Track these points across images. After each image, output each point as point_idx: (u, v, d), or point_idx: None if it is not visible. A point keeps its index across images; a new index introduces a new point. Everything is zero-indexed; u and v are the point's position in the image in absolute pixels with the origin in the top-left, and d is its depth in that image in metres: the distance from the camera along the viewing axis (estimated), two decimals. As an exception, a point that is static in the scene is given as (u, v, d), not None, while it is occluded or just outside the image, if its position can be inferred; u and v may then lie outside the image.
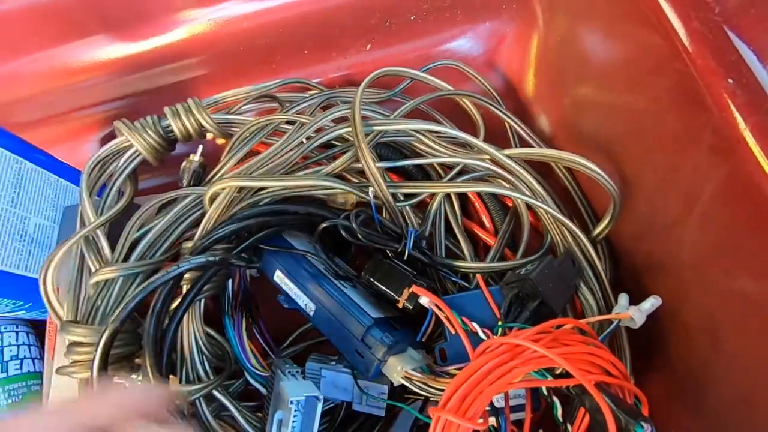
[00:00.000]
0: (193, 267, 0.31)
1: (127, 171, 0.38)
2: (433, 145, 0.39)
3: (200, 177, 0.39)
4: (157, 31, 0.43)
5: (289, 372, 0.32)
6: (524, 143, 0.43)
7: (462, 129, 0.40)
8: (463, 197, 0.42)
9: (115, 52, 0.44)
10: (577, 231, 0.37)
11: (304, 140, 0.37)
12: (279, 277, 0.34)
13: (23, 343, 0.39)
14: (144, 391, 0.22)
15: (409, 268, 0.34)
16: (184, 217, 0.36)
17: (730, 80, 0.26)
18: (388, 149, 0.41)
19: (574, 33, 0.41)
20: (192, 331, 0.33)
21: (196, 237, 0.34)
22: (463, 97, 0.44)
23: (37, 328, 0.40)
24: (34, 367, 0.38)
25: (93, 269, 0.34)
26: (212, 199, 0.35)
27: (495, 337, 0.30)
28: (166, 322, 0.31)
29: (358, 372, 0.33)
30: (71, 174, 0.41)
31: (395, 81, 0.44)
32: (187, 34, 0.44)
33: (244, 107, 0.42)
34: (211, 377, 0.33)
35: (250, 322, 0.37)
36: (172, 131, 0.38)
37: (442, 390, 0.29)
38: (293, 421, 0.29)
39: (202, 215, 0.35)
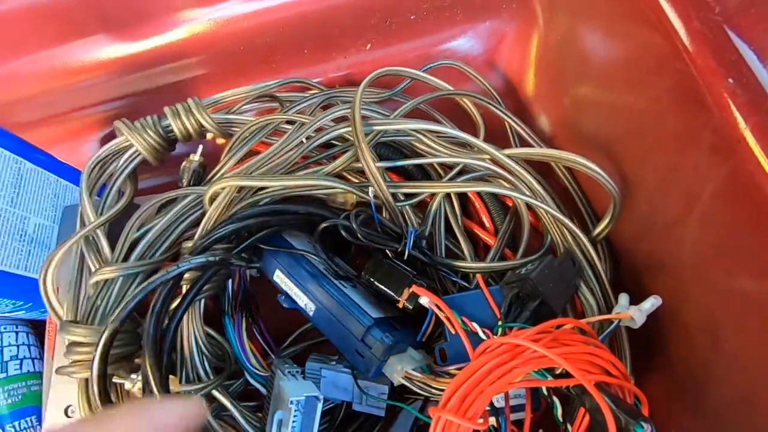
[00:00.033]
0: (192, 267, 0.31)
1: (127, 171, 0.38)
2: (433, 144, 0.39)
3: (200, 177, 0.39)
4: (157, 30, 0.43)
5: (289, 372, 0.32)
6: (524, 143, 0.43)
7: (462, 129, 0.40)
8: (463, 197, 0.42)
9: (115, 52, 0.44)
10: (577, 231, 0.37)
11: (304, 140, 0.37)
12: (279, 276, 0.34)
13: (23, 343, 0.39)
14: (177, 409, 0.22)
15: (409, 268, 0.34)
16: (184, 216, 0.36)
17: (730, 80, 0.26)
18: (388, 149, 0.41)
19: (574, 32, 0.41)
20: (192, 331, 0.33)
21: (196, 237, 0.34)
22: (463, 97, 0.44)
23: (37, 328, 0.40)
24: (34, 367, 0.38)
25: (93, 269, 0.34)
26: (212, 199, 0.35)
27: (495, 337, 0.30)
28: (166, 322, 0.31)
29: (358, 372, 0.33)
30: (71, 174, 0.41)
31: (395, 81, 0.44)
32: (187, 33, 0.44)
33: (244, 107, 0.42)
34: (211, 377, 0.33)
35: (250, 322, 0.37)
36: (172, 131, 0.38)
37: (442, 390, 0.29)
38: (293, 421, 0.29)
39: (202, 215, 0.35)
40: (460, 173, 0.40)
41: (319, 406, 0.30)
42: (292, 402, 0.29)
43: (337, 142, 0.40)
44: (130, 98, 0.46)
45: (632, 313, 0.30)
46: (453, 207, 0.40)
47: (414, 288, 0.32)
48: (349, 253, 0.39)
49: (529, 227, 0.40)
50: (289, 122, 0.40)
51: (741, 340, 0.28)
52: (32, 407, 0.37)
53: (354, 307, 0.32)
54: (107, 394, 0.30)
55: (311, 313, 0.33)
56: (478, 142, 0.39)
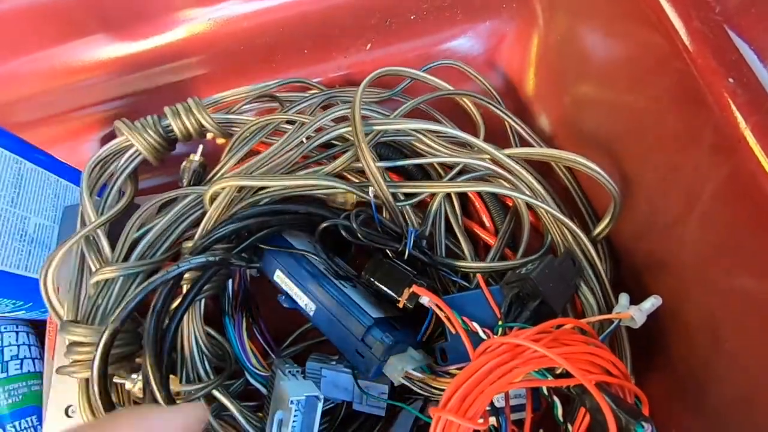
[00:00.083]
0: (193, 267, 0.31)
1: (127, 171, 0.38)
2: (434, 144, 0.39)
3: (200, 176, 0.39)
4: (157, 30, 0.43)
5: (290, 372, 0.32)
6: (524, 143, 0.43)
7: (462, 128, 0.40)
8: (463, 197, 0.42)
9: (115, 52, 0.44)
10: (578, 230, 0.37)
11: (304, 140, 0.37)
12: (279, 276, 0.34)
13: (23, 343, 0.39)
14: (177, 419, 0.22)
15: (409, 268, 0.34)
16: (184, 216, 0.36)
17: (730, 79, 0.26)
18: (388, 149, 0.41)
19: (574, 32, 0.41)
20: (192, 330, 0.33)
21: (197, 236, 0.34)
22: (463, 97, 0.44)
23: (37, 328, 0.40)
24: (34, 366, 0.38)
25: (93, 269, 0.34)
26: (212, 199, 0.35)
27: (495, 336, 0.30)
28: (167, 321, 0.31)
29: (358, 372, 0.33)
30: (71, 174, 0.41)
31: (395, 80, 0.44)
32: (187, 33, 0.44)
33: (244, 107, 0.42)
34: (212, 377, 0.33)
35: (251, 322, 0.37)
36: (172, 131, 0.38)
37: (443, 390, 0.29)
38: (293, 421, 0.29)
39: (203, 215, 0.35)
40: (460, 173, 0.40)
41: (320, 405, 0.30)
42: (292, 402, 0.29)
43: (337, 142, 0.40)
44: (130, 98, 0.46)
45: (632, 313, 0.30)
46: (453, 207, 0.40)
47: (414, 288, 0.32)
48: (350, 253, 0.39)
49: (529, 227, 0.40)
50: (289, 122, 0.40)
51: (741, 340, 0.28)
52: (33, 407, 0.37)
53: (354, 307, 0.32)
54: (108, 393, 0.30)
55: (311, 313, 0.33)
56: (478, 142, 0.39)
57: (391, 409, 0.34)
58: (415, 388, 0.31)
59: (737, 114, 0.26)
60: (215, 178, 0.38)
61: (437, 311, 0.31)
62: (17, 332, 0.39)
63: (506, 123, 0.43)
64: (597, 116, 0.39)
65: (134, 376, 0.31)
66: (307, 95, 0.43)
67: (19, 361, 0.38)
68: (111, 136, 0.40)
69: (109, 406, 0.30)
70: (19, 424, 0.36)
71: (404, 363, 0.30)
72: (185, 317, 0.33)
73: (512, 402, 0.31)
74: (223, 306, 0.35)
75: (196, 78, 0.46)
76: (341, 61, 0.48)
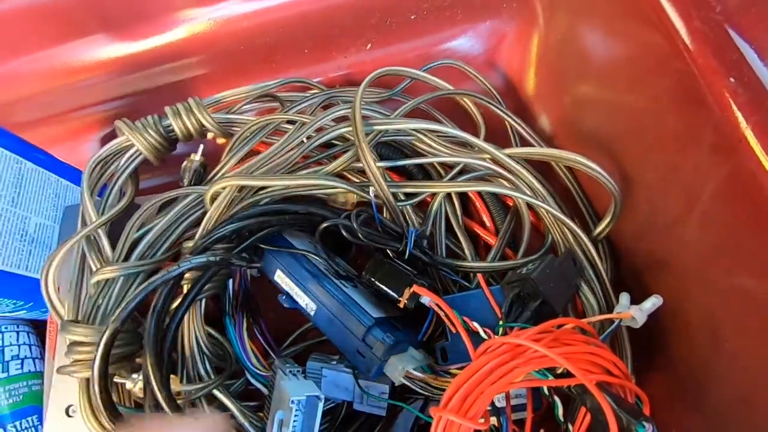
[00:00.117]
0: (193, 266, 0.31)
1: (128, 170, 0.38)
2: (434, 144, 0.39)
3: (201, 176, 0.39)
4: (157, 30, 0.43)
5: (290, 371, 0.32)
6: (525, 142, 0.43)
7: (462, 128, 0.40)
8: (463, 196, 0.42)
9: (115, 52, 0.44)
10: (578, 230, 0.37)
11: (305, 140, 0.37)
12: (279, 276, 0.34)
13: (24, 343, 0.39)
14: (207, 427, 0.22)
15: (410, 268, 0.34)
16: (184, 216, 0.36)
17: (731, 79, 0.26)
18: (388, 148, 0.41)
19: (574, 31, 0.41)
20: (193, 330, 0.33)
21: (197, 236, 0.34)
22: (464, 97, 0.44)
23: (38, 328, 0.40)
24: (35, 366, 0.38)
25: (94, 269, 0.34)
26: (213, 199, 0.35)
27: (496, 336, 0.30)
28: (167, 321, 0.31)
29: (359, 372, 0.33)
30: (71, 174, 0.41)
31: (395, 80, 0.44)
32: (187, 33, 0.44)
33: (244, 107, 0.42)
34: (212, 377, 0.33)
35: (251, 322, 0.36)
36: (173, 131, 0.38)
37: (443, 389, 0.29)
38: (294, 421, 0.29)
39: (203, 215, 0.35)
40: (460, 173, 0.40)
41: (320, 405, 0.30)
42: (293, 401, 0.29)
43: (337, 142, 0.40)
44: (130, 98, 0.46)
45: (633, 313, 0.30)
46: (454, 206, 0.40)
47: (415, 288, 0.32)
48: (350, 253, 0.39)
49: (529, 227, 0.40)
50: (289, 122, 0.40)
51: (741, 340, 0.28)
52: (33, 407, 0.37)
53: (355, 307, 0.32)
54: (108, 393, 0.30)
55: (312, 313, 0.33)
56: (479, 142, 0.39)
57: (392, 409, 0.34)
58: (415, 388, 0.31)
59: (738, 114, 0.26)
60: (216, 178, 0.38)
61: (438, 311, 0.31)
62: (18, 332, 0.39)
63: (506, 123, 0.43)
64: (597, 116, 0.39)
65: (135, 375, 0.31)
66: (307, 95, 0.43)
67: (19, 361, 0.38)
68: (111, 136, 0.40)
69: (109, 406, 0.30)
70: (20, 423, 0.36)
71: (405, 363, 0.30)
72: (186, 317, 0.33)
73: (513, 402, 0.31)
74: (223, 306, 0.35)
75: (196, 78, 0.46)
76: (341, 61, 0.48)
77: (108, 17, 0.42)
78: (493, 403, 0.27)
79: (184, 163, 0.39)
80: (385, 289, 0.33)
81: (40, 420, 0.37)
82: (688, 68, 0.28)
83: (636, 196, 0.36)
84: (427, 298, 0.31)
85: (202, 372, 0.33)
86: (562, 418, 0.28)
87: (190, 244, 0.34)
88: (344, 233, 0.34)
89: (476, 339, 0.30)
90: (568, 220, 0.37)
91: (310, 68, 0.47)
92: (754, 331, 0.27)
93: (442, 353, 0.32)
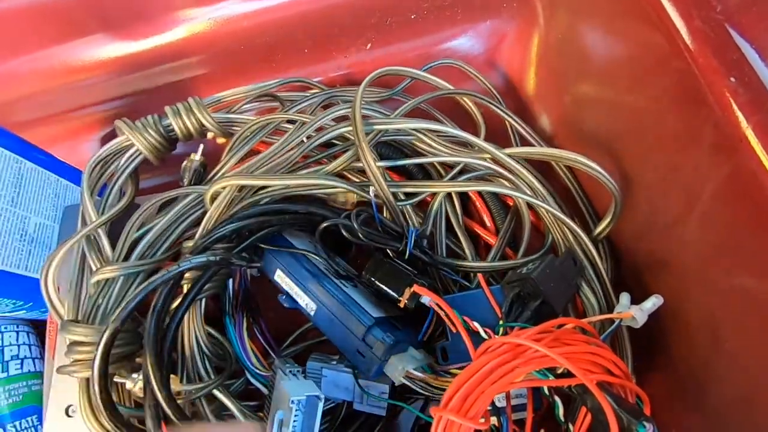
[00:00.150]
0: (193, 266, 0.31)
1: (128, 170, 0.38)
2: (434, 144, 0.39)
3: (201, 176, 0.39)
4: (157, 30, 0.43)
5: (290, 371, 0.32)
6: (525, 142, 0.43)
7: (463, 128, 0.40)
8: (463, 196, 0.42)
9: (115, 51, 0.44)
10: (578, 230, 0.37)
11: (305, 139, 0.37)
12: (279, 276, 0.34)
13: (24, 343, 0.39)
14: None
15: (410, 268, 0.34)
16: (184, 216, 0.36)
17: (731, 79, 0.26)
18: (388, 148, 0.41)
19: (574, 31, 0.41)
20: (193, 330, 0.33)
21: (197, 236, 0.34)
22: (464, 96, 0.44)
23: (38, 328, 0.40)
24: (35, 366, 0.38)
25: (94, 268, 0.34)
26: (213, 198, 0.35)
27: (496, 336, 0.30)
28: (167, 321, 0.31)
29: (359, 371, 0.33)
30: (71, 173, 0.41)
31: (396, 80, 0.44)
32: (187, 33, 0.44)
33: (244, 106, 0.42)
34: (212, 377, 0.33)
35: (251, 322, 0.36)
36: (173, 130, 0.38)
37: (444, 389, 0.28)
38: (294, 421, 0.29)
39: (203, 214, 0.35)
40: (460, 172, 0.40)
41: (320, 405, 0.30)
42: (293, 401, 0.29)
43: (337, 142, 0.40)
44: (130, 97, 0.46)
45: (634, 313, 0.30)
46: (454, 206, 0.40)
47: (415, 287, 0.32)
48: (350, 253, 0.39)
49: (530, 226, 0.39)
50: (289, 121, 0.40)
51: (741, 340, 0.28)
52: (33, 407, 0.37)
53: (355, 307, 0.32)
54: (108, 393, 0.30)
55: (312, 313, 0.33)
56: (479, 142, 0.39)
57: (392, 409, 0.34)
58: (416, 388, 0.31)
59: (738, 113, 0.26)
60: (216, 178, 0.38)
61: (438, 311, 0.31)
62: (18, 332, 0.39)
63: (507, 122, 0.43)
64: (597, 115, 0.39)
65: (135, 375, 0.31)
66: (307, 95, 0.43)
67: (19, 361, 0.38)
68: (111, 135, 0.40)
69: (109, 406, 0.30)
70: (20, 423, 0.36)
71: (405, 362, 0.30)
72: (186, 317, 0.33)
73: (513, 402, 0.31)
74: (223, 306, 0.35)
75: (196, 78, 0.46)
76: (341, 61, 0.48)
77: (108, 17, 0.42)
78: (493, 403, 0.27)
79: (184, 163, 0.39)
80: (385, 288, 0.33)
81: (40, 420, 0.37)
82: (689, 68, 0.28)
83: (636, 196, 0.35)
84: (428, 298, 0.31)
85: (202, 372, 0.33)
86: (562, 418, 0.28)
87: (190, 243, 0.34)
88: (344, 233, 0.34)
89: (476, 339, 0.30)
90: (568, 220, 0.37)
91: (310, 68, 0.47)
92: (755, 331, 0.27)
93: (443, 353, 0.32)
